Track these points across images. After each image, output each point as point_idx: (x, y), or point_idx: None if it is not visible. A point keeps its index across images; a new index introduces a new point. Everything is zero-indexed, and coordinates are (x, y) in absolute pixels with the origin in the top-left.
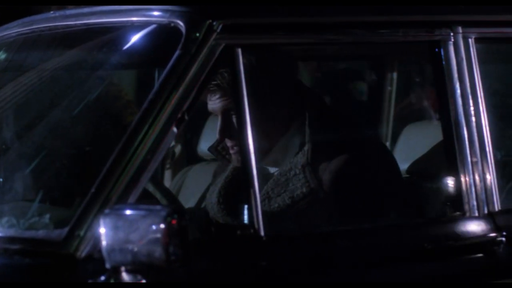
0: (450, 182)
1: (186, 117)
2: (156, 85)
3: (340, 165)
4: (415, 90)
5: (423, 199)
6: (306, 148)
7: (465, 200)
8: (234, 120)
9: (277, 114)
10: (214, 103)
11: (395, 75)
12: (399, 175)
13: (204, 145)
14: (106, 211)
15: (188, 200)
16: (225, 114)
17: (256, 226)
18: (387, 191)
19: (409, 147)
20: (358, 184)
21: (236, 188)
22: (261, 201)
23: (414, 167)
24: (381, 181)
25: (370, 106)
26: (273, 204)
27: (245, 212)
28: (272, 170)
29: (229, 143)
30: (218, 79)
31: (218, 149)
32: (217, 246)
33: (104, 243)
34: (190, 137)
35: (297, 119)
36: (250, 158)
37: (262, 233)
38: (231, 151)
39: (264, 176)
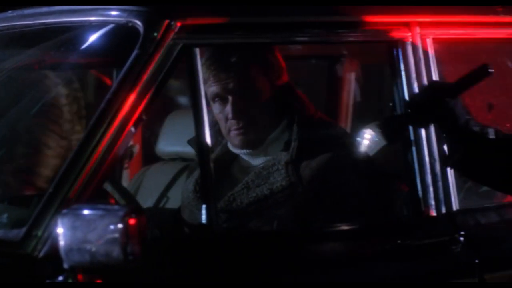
0: (408, 182)
1: (143, 117)
2: (114, 84)
3: (322, 163)
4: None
5: (383, 199)
6: (292, 146)
7: (424, 200)
8: (245, 101)
9: (259, 112)
10: (223, 84)
11: (353, 75)
12: (374, 178)
13: (162, 145)
14: (64, 211)
15: (147, 200)
16: (237, 95)
17: (212, 224)
18: (361, 192)
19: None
20: (336, 183)
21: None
22: (240, 191)
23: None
24: (357, 182)
25: (329, 105)
26: (251, 194)
27: (208, 208)
28: (255, 163)
29: (235, 125)
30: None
31: None
32: (175, 244)
33: (62, 243)
34: (148, 137)
35: (284, 118)
36: (207, 156)
37: (218, 231)
38: (235, 132)
39: (245, 169)
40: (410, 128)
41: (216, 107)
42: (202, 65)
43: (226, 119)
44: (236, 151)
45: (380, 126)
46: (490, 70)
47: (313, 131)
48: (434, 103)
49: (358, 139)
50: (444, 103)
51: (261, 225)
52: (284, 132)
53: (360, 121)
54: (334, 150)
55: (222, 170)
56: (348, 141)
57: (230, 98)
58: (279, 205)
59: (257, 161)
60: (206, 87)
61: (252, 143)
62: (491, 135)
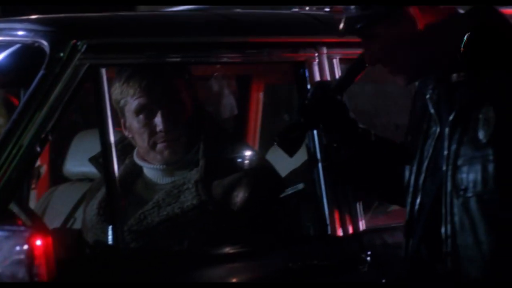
0: (315, 201)
1: (50, 137)
2: (20, 105)
3: (234, 182)
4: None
5: (290, 219)
6: (200, 164)
7: (330, 219)
8: (175, 114)
9: (184, 128)
10: (153, 97)
11: (261, 95)
12: (282, 197)
13: (69, 165)
14: None
15: (54, 221)
16: (166, 107)
17: (117, 244)
18: (271, 211)
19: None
20: (247, 202)
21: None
22: (151, 209)
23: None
24: (266, 201)
25: (237, 125)
26: (162, 213)
27: (114, 228)
28: (163, 181)
29: (164, 137)
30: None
31: (99, 161)
32: (80, 264)
33: None
34: (55, 157)
35: (197, 137)
36: (113, 176)
37: (121, 252)
38: (162, 145)
39: (151, 186)
40: (317, 146)
41: (139, 120)
42: (124, 82)
43: (152, 132)
44: (147, 166)
45: (277, 140)
46: None
47: (221, 150)
48: (322, 102)
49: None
50: (331, 100)
51: (172, 244)
52: (197, 152)
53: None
54: (244, 169)
55: (127, 187)
56: (256, 160)
57: (160, 110)
58: (190, 223)
59: (165, 180)
60: (129, 101)
61: (174, 159)
62: (373, 137)
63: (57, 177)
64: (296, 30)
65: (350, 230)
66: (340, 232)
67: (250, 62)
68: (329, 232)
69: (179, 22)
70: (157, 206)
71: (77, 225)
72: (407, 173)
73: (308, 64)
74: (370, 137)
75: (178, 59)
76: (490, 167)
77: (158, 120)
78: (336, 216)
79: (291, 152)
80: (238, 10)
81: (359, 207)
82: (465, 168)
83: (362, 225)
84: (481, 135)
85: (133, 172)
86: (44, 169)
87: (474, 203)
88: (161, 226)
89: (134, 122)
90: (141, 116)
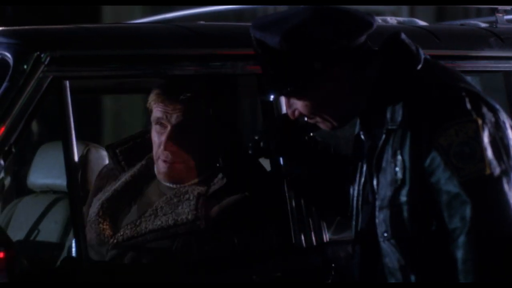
0: (278, 212)
1: (13, 150)
2: None
3: (230, 205)
4: None
5: (252, 231)
6: (208, 177)
7: (294, 231)
8: (181, 138)
9: (194, 151)
10: (168, 111)
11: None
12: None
13: (33, 177)
14: None
15: (17, 233)
16: (177, 127)
17: (80, 257)
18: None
19: None
20: (235, 223)
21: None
22: (148, 216)
23: None
24: (247, 218)
25: None
26: (156, 222)
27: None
28: (171, 186)
29: (164, 156)
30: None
31: (115, 151)
32: (45, 277)
33: None
34: (18, 170)
35: (211, 164)
36: (77, 187)
37: (85, 265)
38: (162, 164)
39: (162, 194)
40: (281, 158)
41: (155, 128)
42: (152, 91)
43: (159, 146)
44: (158, 177)
45: (251, 148)
46: None
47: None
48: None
49: None
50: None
51: (157, 255)
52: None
53: None
54: (248, 190)
55: (138, 187)
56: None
57: (168, 128)
58: (178, 236)
59: (172, 185)
60: (152, 108)
61: (176, 179)
62: (332, 151)
63: (21, 189)
64: None
65: (314, 241)
66: (303, 244)
67: (214, 74)
68: (293, 244)
69: (142, 34)
70: (154, 214)
71: (41, 238)
72: (351, 193)
73: None
74: (330, 151)
75: (141, 72)
76: (405, 210)
77: (163, 138)
78: (300, 227)
79: (268, 155)
80: (201, 22)
81: (323, 218)
82: (384, 211)
83: (326, 237)
84: (396, 175)
85: (149, 172)
86: (8, 181)
87: (395, 244)
88: (151, 235)
89: (152, 130)
90: (157, 126)
